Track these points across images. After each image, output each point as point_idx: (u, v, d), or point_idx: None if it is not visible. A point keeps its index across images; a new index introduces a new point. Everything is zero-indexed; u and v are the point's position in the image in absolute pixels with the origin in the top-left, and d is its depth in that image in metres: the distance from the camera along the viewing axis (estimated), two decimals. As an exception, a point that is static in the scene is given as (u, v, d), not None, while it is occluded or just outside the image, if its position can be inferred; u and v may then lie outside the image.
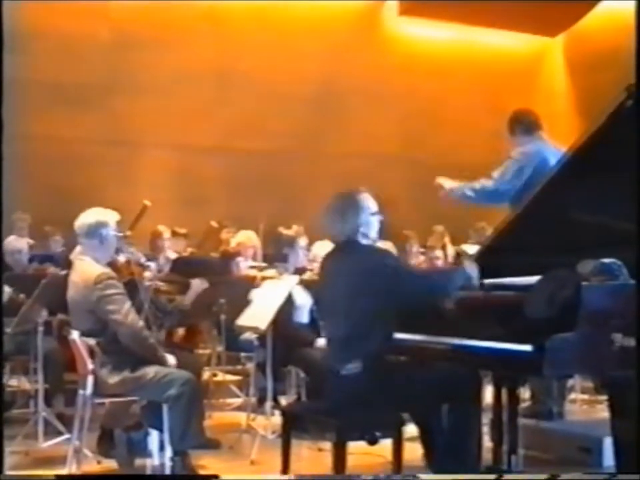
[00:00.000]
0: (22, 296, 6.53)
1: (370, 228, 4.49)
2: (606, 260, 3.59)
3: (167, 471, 5.02)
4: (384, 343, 4.28)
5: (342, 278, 4.34)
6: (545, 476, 4.00)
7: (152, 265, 7.86)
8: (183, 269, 7.40)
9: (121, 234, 5.61)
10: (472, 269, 4.24)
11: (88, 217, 5.28)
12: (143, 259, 7.52)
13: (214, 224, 10.29)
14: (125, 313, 5.04)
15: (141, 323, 5.13)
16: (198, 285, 5.83)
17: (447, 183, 6.13)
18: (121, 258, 6.04)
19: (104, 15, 11.64)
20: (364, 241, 4.44)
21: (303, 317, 6.93)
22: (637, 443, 3.52)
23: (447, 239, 11.13)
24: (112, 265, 5.43)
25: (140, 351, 5.11)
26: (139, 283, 5.67)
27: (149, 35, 11.65)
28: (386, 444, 4.29)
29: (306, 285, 6.82)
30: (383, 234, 4.75)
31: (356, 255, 4.38)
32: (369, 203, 4.51)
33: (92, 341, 5.03)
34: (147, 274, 6.43)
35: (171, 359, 5.21)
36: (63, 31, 11.21)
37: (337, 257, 4.53)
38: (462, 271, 4.28)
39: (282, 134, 12.37)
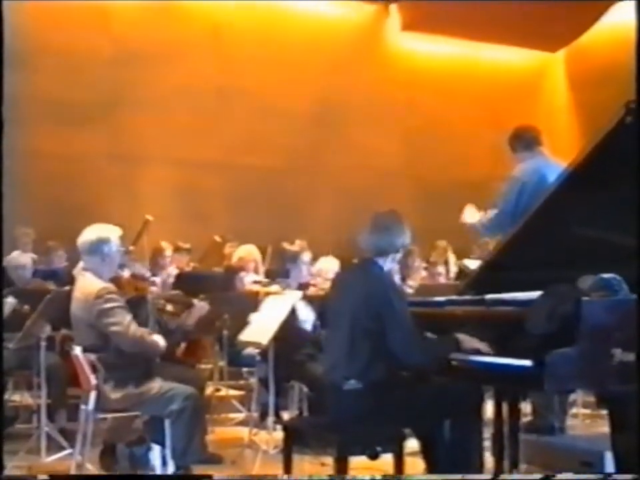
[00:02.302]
0: (26, 307, 6.55)
1: (399, 255, 4.52)
2: (606, 275, 3.60)
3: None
4: (388, 361, 4.29)
5: (355, 296, 4.34)
6: (539, 476, 4.01)
7: (157, 280, 7.90)
8: (187, 284, 7.43)
9: (124, 249, 5.64)
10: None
11: (90, 234, 5.30)
12: (148, 274, 7.55)
13: (217, 238, 10.32)
14: (126, 325, 5.08)
15: (142, 330, 5.18)
16: (200, 307, 5.86)
17: (470, 217, 6.16)
18: (126, 273, 6.06)
19: (106, 31, 11.69)
20: (389, 265, 4.46)
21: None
22: (637, 450, 3.53)
23: (449, 254, 11.14)
24: (116, 280, 5.45)
25: (147, 355, 5.20)
26: (144, 298, 5.69)
27: (151, 51, 11.69)
28: (388, 458, 4.30)
29: (309, 300, 6.83)
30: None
31: (375, 277, 4.37)
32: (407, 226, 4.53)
33: (94, 356, 5.05)
34: (153, 289, 6.44)
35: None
36: (65, 47, 11.25)
37: (356, 275, 4.53)
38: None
39: (284, 149, 12.40)
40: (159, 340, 5.27)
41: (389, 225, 4.47)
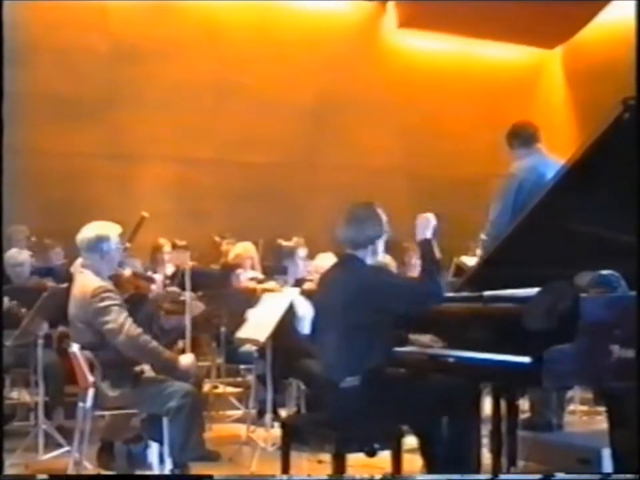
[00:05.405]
0: (14, 303, 6.54)
1: (381, 244, 4.50)
2: (604, 272, 3.61)
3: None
4: (383, 357, 4.29)
5: (340, 293, 4.33)
6: (539, 476, 4.01)
7: (157, 277, 7.90)
8: (184, 282, 7.41)
9: (123, 247, 5.62)
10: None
11: (89, 231, 5.29)
12: (148, 272, 7.53)
13: (216, 238, 10.32)
14: (120, 323, 5.02)
15: (139, 330, 5.07)
16: (196, 307, 5.86)
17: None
18: (126, 271, 6.05)
19: (103, 29, 11.66)
20: (371, 258, 4.45)
21: (304, 328, 6.93)
22: (637, 450, 3.53)
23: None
24: (116, 278, 5.44)
25: (143, 359, 5.13)
26: (144, 296, 5.67)
27: (148, 49, 11.67)
28: (386, 455, 4.30)
29: (307, 296, 6.82)
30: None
31: (355, 272, 4.36)
32: (384, 219, 4.50)
33: (91, 354, 5.04)
34: (153, 287, 6.44)
35: (185, 359, 5.21)
36: (62, 44, 11.23)
37: (337, 272, 4.52)
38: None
39: (281, 146, 12.38)
40: (164, 351, 5.19)
41: (364, 217, 4.44)
